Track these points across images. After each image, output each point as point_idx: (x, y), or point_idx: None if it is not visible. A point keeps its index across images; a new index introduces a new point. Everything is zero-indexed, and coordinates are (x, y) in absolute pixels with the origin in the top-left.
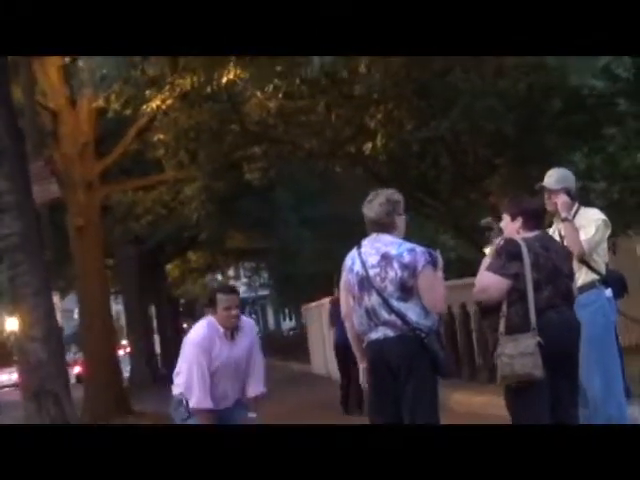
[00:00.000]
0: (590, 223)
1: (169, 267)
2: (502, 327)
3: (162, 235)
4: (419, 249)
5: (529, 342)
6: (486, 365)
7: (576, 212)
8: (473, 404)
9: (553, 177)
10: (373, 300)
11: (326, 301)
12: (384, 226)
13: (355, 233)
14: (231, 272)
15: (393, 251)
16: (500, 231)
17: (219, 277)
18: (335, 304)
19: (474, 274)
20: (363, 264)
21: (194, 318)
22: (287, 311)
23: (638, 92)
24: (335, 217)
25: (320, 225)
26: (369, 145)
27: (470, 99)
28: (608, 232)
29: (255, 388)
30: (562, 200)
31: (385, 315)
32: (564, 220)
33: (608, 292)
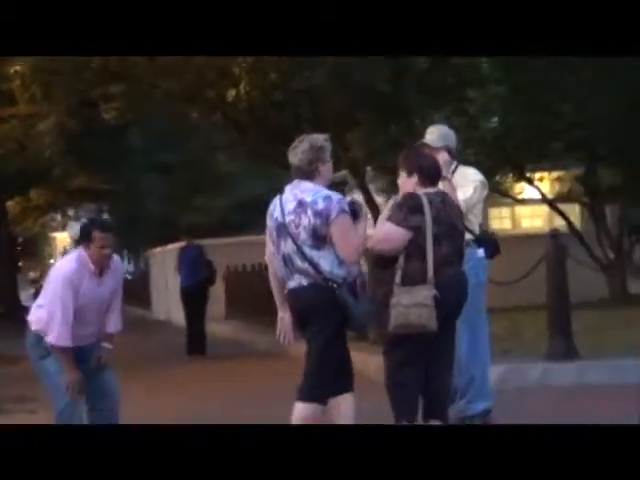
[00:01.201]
0: (468, 183)
1: (10, 204)
2: (398, 278)
3: (11, 170)
4: (335, 197)
5: (426, 293)
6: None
7: (454, 171)
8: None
9: (435, 134)
10: (289, 247)
11: (172, 247)
12: (306, 173)
13: (207, 181)
14: (71, 212)
15: (308, 198)
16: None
17: (59, 217)
18: (183, 250)
19: None
20: (282, 211)
21: (31, 257)
22: (126, 256)
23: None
24: (187, 164)
25: (171, 171)
26: (232, 92)
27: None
28: (485, 193)
29: (115, 324)
30: (442, 158)
31: (299, 263)
32: (443, 179)
33: (480, 252)
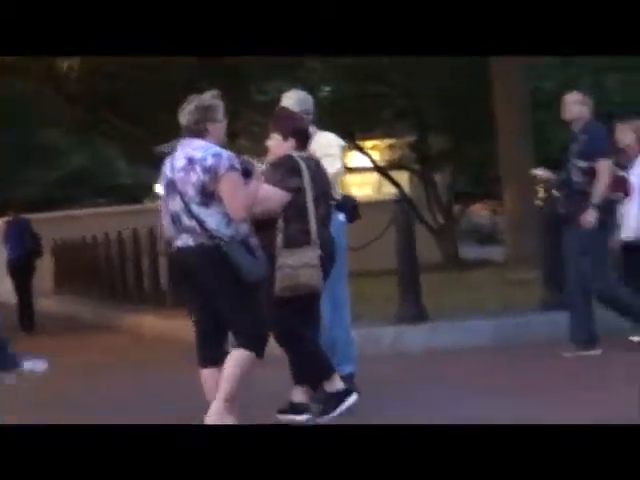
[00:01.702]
0: (333, 149)
1: None
2: (280, 240)
3: None
4: (226, 154)
5: (312, 254)
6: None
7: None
8: (165, 328)
9: (292, 99)
10: (177, 205)
11: None
12: (194, 132)
13: (33, 154)
14: None
15: (198, 154)
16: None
17: None
18: (9, 224)
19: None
20: (172, 168)
21: None
22: None
23: None
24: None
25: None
26: (64, 63)
27: None
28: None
29: None
30: None
31: (186, 221)
32: None
33: (341, 217)
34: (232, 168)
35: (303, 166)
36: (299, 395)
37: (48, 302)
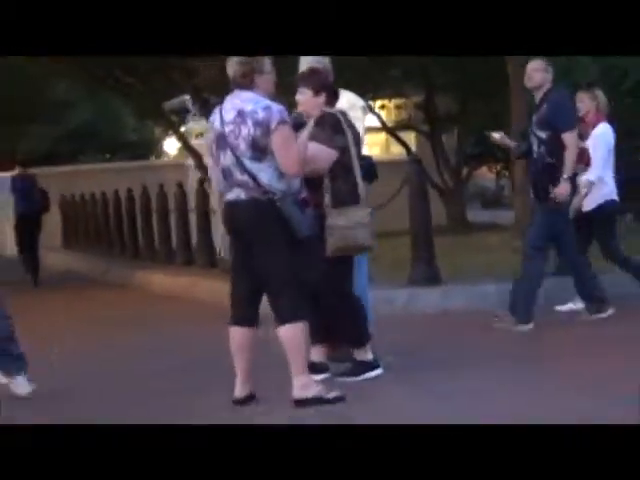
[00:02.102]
0: (357, 112)
1: None
2: (328, 200)
3: None
4: (276, 107)
5: (362, 213)
6: (182, 247)
7: None
8: (175, 286)
9: (308, 60)
10: (228, 159)
11: (3, 176)
12: (242, 85)
13: (39, 109)
14: None
15: (249, 107)
16: (193, 112)
17: None
18: (16, 179)
19: (157, 156)
20: (221, 120)
21: None
22: None
23: None
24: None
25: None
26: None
27: None
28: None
29: None
30: None
31: (238, 175)
32: None
33: None
34: (283, 122)
35: (344, 123)
36: (318, 354)
37: (56, 256)
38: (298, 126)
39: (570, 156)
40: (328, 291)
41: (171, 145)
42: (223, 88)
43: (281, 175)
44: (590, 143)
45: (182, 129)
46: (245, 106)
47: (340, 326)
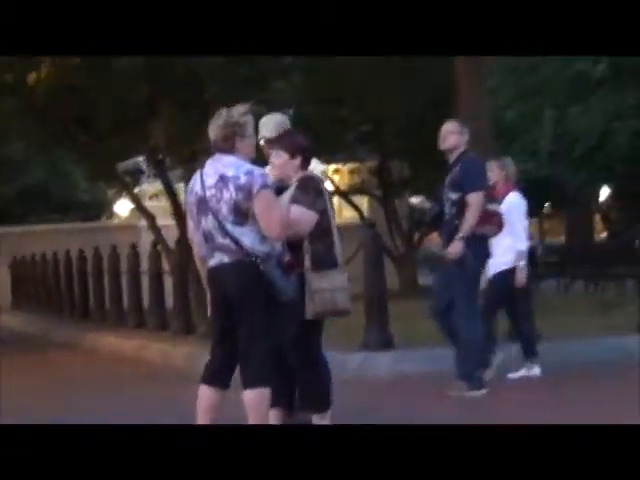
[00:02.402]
0: (318, 174)
1: None
2: (308, 263)
3: None
4: (257, 171)
5: (342, 277)
6: (134, 309)
7: None
8: (126, 348)
9: (270, 124)
10: (209, 223)
11: None
12: (223, 149)
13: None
14: None
15: (230, 172)
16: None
17: None
18: None
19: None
20: (202, 185)
21: None
22: None
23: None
24: None
25: None
26: (33, 75)
27: None
28: None
29: None
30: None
31: (220, 239)
32: None
33: None
34: (265, 186)
35: (324, 186)
36: (276, 418)
37: (6, 317)
38: (279, 190)
39: (469, 216)
40: (298, 355)
41: (122, 206)
42: (179, 150)
43: (263, 238)
44: (504, 211)
45: (136, 190)
46: (227, 171)
47: (305, 391)
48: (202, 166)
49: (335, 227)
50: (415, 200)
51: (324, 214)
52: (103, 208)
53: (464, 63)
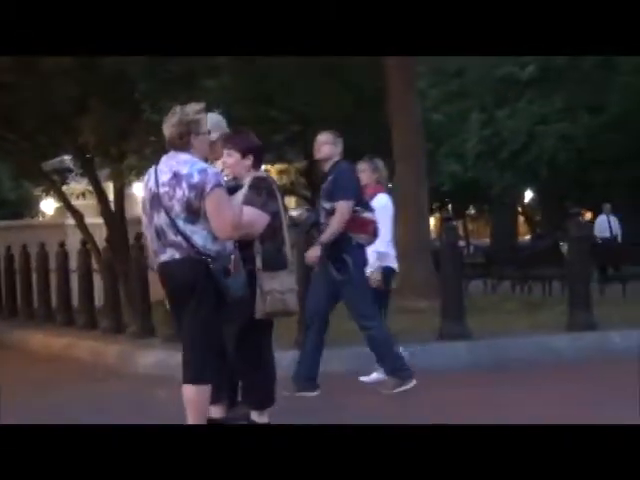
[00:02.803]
0: None
1: None
2: (259, 263)
3: None
4: (211, 170)
5: (291, 278)
6: (62, 307)
7: None
8: (54, 346)
9: (208, 124)
10: (162, 219)
11: None
12: (178, 146)
13: None
14: None
15: (184, 170)
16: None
17: None
18: None
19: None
20: (156, 181)
21: None
22: None
23: None
24: None
25: None
26: None
27: None
28: None
29: None
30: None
31: (172, 236)
32: None
33: None
34: (218, 185)
35: (275, 188)
36: (218, 412)
37: None
38: (232, 190)
39: (334, 223)
40: (248, 354)
41: (48, 205)
42: (108, 148)
43: (215, 237)
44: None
45: (63, 189)
46: (181, 168)
47: (254, 390)
48: (157, 162)
49: (286, 228)
50: (295, 212)
51: (276, 215)
52: (28, 206)
53: (394, 63)
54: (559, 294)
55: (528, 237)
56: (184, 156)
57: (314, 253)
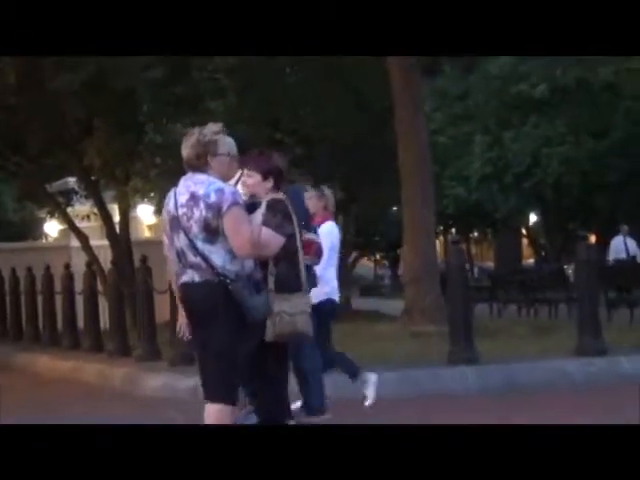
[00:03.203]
0: None
1: None
2: (271, 285)
3: None
4: (228, 189)
5: (305, 300)
6: (68, 329)
7: (239, 179)
8: (59, 369)
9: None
10: (182, 241)
11: None
12: (195, 167)
13: None
14: None
15: (201, 190)
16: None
17: None
18: None
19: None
20: (175, 203)
21: None
22: None
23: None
24: None
25: None
26: None
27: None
28: None
29: None
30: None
31: (192, 257)
32: None
33: None
34: (235, 203)
35: (291, 210)
36: None
37: None
38: (250, 207)
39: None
40: (262, 371)
41: (52, 227)
42: (113, 170)
43: (234, 257)
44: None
45: (68, 210)
46: (198, 189)
47: (267, 410)
48: (176, 185)
49: (301, 251)
50: None
51: (291, 238)
52: (32, 228)
53: (402, 84)
54: (565, 317)
55: (531, 260)
56: (201, 176)
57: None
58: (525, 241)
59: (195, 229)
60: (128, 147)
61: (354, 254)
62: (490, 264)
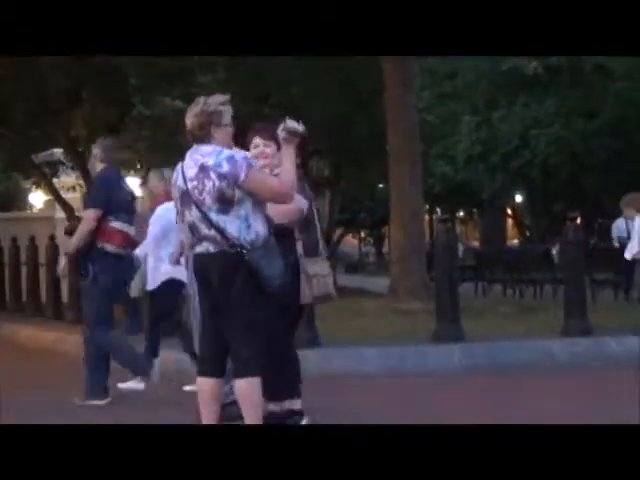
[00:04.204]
0: None
1: None
2: (301, 250)
3: None
4: (239, 156)
5: (326, 264)
6: (50, 301)
7: None
8: (42, 340)
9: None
10: (194, 215)
11: None
12: (199, 138)
13: None
14: None
15: (210, 161)
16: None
17: None
18: None
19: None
20: (184, 178)
21: None
22: None
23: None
24: None
25: None
26: None
27: None
28: None
29: None
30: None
31: (205, 230)
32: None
33: None
34: (250, 166)
35: (304, 182)
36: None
37: None
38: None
39: (79, 229)
40: (277, 342)
41: (37, 198)
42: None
43: (248, 226)
44: (153, 222)
45: (54, 181)
46: (207, 160)
47: (286, 375)
48: (182, 159)
49: (316, 218)
50: None
51: (309, 206)
52: (17, 199)
53: (393, 65)
54: (550, 298)
55: (515, 241)
56: (207, 148)
57: (62, 261)
58: (510, 221)
59: (208, 201)
60: (114, 118)
61: (339, 231)
62: (476, 243)
